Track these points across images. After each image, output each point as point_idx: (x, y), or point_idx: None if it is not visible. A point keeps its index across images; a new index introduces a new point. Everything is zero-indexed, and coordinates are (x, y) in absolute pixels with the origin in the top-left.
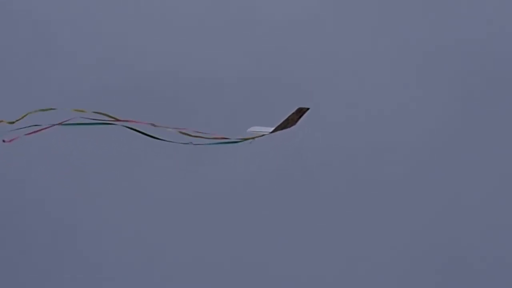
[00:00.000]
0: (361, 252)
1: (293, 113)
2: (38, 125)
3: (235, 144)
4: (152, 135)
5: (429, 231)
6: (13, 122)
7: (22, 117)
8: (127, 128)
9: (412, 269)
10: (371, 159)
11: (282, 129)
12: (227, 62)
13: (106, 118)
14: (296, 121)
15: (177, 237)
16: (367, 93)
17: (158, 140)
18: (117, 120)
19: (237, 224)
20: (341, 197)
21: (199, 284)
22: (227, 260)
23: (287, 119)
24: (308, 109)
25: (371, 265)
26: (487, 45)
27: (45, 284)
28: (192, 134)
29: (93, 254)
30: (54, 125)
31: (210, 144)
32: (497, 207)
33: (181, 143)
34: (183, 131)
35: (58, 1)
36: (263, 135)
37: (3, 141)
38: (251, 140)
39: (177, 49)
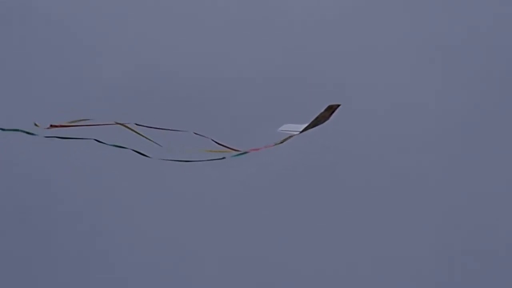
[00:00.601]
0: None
1: (323, 111)
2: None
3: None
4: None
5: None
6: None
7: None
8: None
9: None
10: (400, 155)
11: (312, 127)
12: (249, 62)
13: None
14: (328, 118)
15: (203, 243)
16: (397, 90)
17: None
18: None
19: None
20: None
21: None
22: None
23: (317, 118)
24: (339, 105)
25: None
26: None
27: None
28: (223, 150)
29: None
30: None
31: (241, 154)
32: None
33: (216, 159)
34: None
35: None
36: (291, 136)
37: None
38: (278, 144)
39: (195, 49)
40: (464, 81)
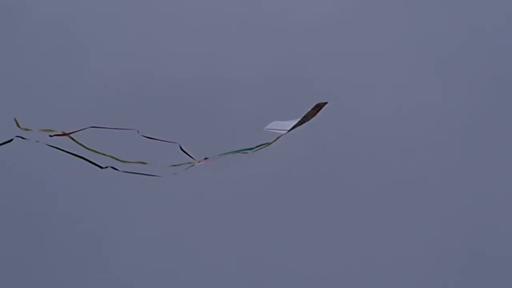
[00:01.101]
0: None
1: (310, 110)
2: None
3: (252, 150)
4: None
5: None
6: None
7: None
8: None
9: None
10: (392, 157)
11: (300, 125)
12: (240, 62)
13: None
14: (314, 115)
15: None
16: (395, 90)
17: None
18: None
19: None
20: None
21: None
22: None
23: (305, 116)
24: (326, 103)
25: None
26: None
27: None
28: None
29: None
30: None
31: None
32: None
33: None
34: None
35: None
36: (279, 136)
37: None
38: (267, 145)
39: (187, 50)
40: (464, 81)
